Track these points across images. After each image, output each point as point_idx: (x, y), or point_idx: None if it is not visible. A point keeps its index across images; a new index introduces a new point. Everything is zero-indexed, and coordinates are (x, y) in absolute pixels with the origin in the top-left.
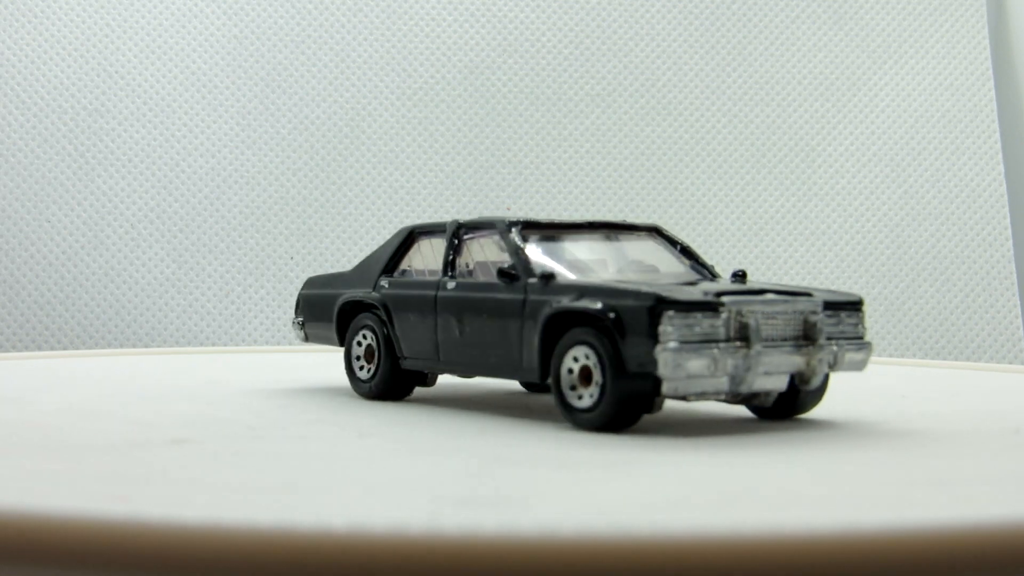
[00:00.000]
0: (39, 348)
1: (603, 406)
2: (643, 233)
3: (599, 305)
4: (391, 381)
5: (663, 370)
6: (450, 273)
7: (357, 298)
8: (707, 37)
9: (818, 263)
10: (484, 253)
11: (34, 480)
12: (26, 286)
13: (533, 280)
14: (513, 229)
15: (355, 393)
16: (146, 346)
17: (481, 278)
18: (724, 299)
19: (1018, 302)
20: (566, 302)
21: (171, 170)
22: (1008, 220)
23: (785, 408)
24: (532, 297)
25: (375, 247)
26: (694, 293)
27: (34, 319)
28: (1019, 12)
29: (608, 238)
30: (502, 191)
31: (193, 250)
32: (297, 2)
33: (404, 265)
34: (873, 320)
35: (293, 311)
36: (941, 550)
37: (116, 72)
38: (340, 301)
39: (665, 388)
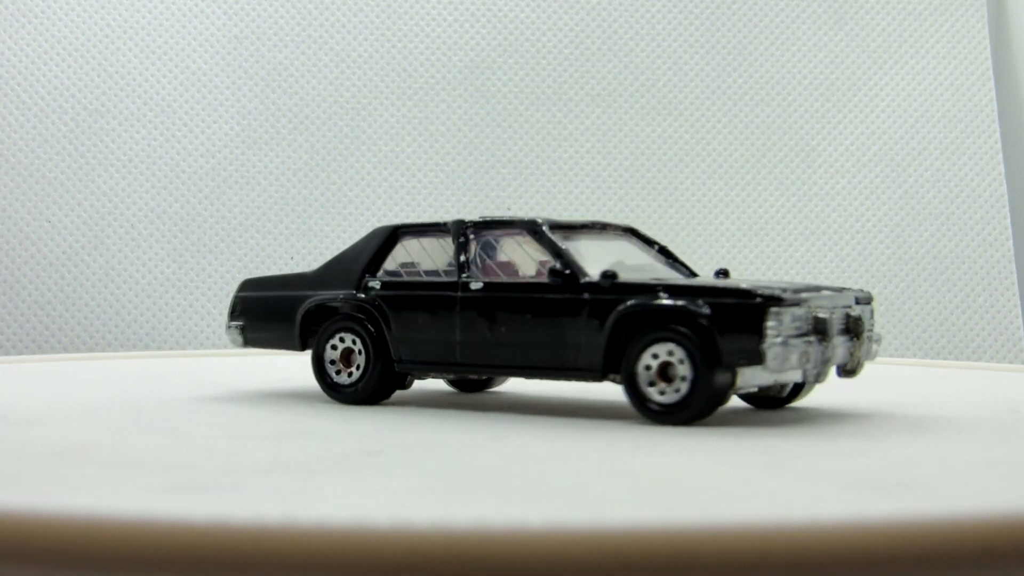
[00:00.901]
0: (39, 348)
1: (695, 400)
2: (620, 232)
3: (692, 302)
4: (380, 385)
5: (771, 363)
6: (467, 273)
7: (337, 299)
8: (707, 37)
9: (819, 263)
10: (505, 253)
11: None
12: (26, 286)
13: (589, 279)
14: (544, 229)
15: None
16: (146, 347)
17: (504, 277)
18: (803, 295)
19: (1018, 302)
20: (645, 300)
21: (171, 170)
22: (1008, 220)
23: (782, 399)
24: (595, 296)
25: None
26: (775, 290)
27: (34, 319)
28: (1019, 12)
29: (594, 237)
30: (502, 191)
31: (193, 250)
32: (297, 2)
33: (389, 265)
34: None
35: (228, 315)
36: None
37: (116, 72)
38: (309, 303)
39: (740, 380)
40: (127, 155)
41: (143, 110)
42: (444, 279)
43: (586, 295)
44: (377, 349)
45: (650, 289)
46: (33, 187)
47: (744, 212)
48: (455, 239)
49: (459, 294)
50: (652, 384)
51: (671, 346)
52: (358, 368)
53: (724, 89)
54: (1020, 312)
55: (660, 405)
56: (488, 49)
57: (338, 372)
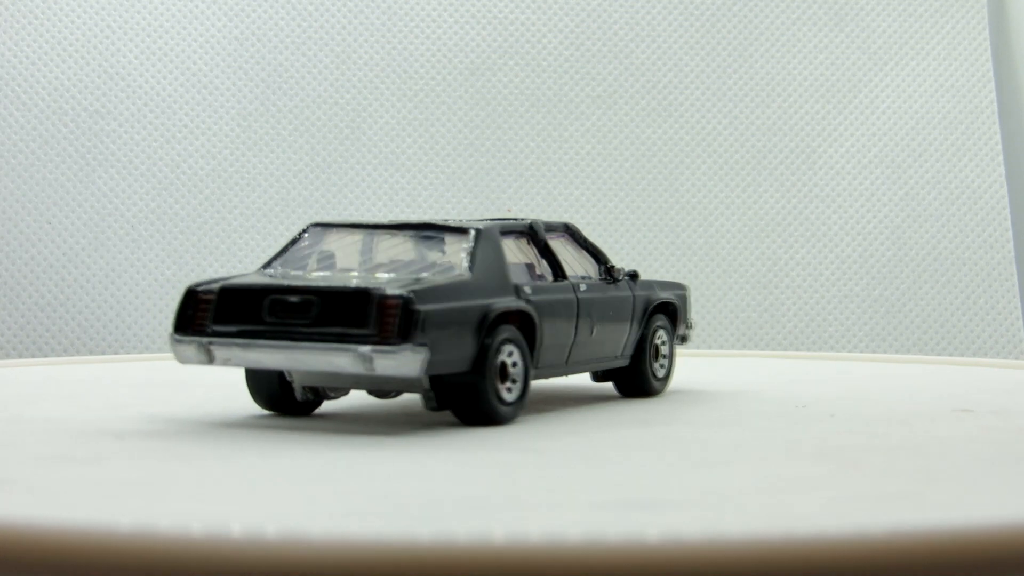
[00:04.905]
0: (39, 350)
1: (671, 373)
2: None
3: (672, 294)
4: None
5: (690, 341)
6: (561, 275)
7: (512, 309)
8: (708, 39)
9: (819, 264)
10: (558, 254)
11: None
12: (26, 288)
13: (625, 278)
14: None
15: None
16: (147, 349)
17: (594, 278)
18: None
19: (1019, 304)
20: (663, 295)
21: (172, 171)
22: (1009, 222)
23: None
24: (636, 293)
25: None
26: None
27: (35, 320)
28: (1019, 14)
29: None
30: (503, 192)
31: (194, 251)
32: (298, 3)
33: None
34: (875, 321)
35: (405, 337)
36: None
37: (117, 73)
38: (493, 314)
39: None
40: (127, 156)
41: (143, 111)
42: (561, 283)
43: (634, 292)
44: (525, 360)
45: (650, 286)
46: (33, 188)
47: (745, 214)
48: (540, 241)
49: (577, 296)
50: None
51: (661, 332)
52: (513, 381)
53: (724, 91)
54: (1021, 314)
55: (659, 379)
56: (488, 51)
57: (500, 388)
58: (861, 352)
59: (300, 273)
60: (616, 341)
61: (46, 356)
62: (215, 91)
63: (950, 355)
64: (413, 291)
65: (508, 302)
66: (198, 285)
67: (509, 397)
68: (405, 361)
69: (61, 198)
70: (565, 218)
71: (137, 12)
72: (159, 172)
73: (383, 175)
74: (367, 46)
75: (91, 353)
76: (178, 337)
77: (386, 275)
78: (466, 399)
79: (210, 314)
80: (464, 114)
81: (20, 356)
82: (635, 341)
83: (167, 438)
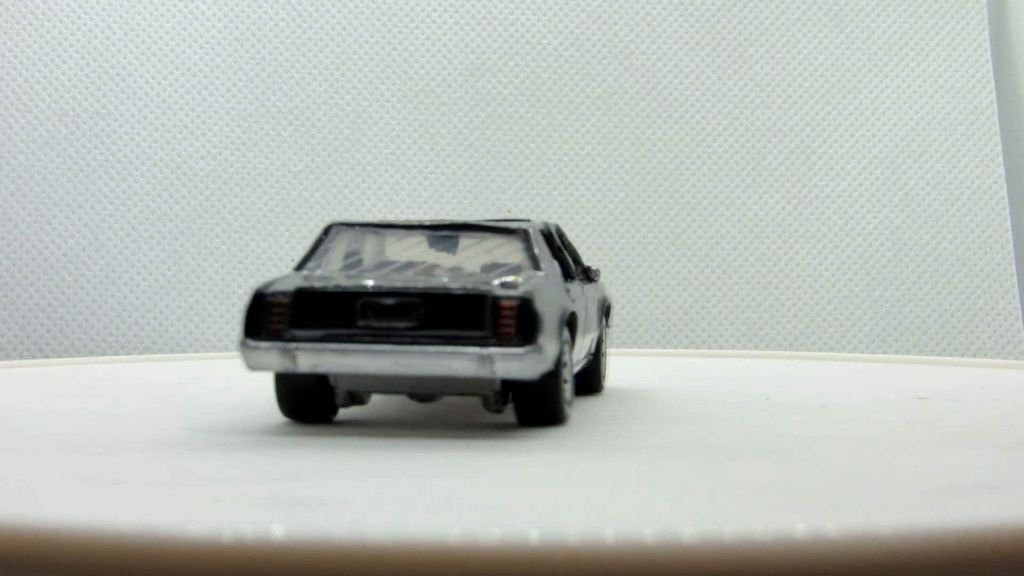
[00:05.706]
0: (40, 351)
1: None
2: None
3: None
4: None
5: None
6: (569, 276)
7: (572, 308)
8: (708, 40)
9: (819, 265)
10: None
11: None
12: (27, 288)
13: (597, 279)
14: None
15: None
16: (147, 350)
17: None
18: None
19: (1019, 304)
20: (606, 295)
21: (172, 172)
22: (1009, 223)
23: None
24: (599, 294)
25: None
26: None
27: (35, 321)
28: (1019, 15)
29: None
30: (503, 193)
31: (194, 252)
32: (298, 4)
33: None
34: (874, 322)
35: (525, 337)
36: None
37: (117, 74)
38: (567, 314)
39: None
40: (127, 157)
41: (143, 112)
42: (570, 283)
43: (597, 292)
44: (572, 359)
45: (599, 287)
46: (33, 189)
47: (745, 215)
48: (552, 243)
49: (584, 296)
50: None
51: (604, 331)
52: (565, 381)
53: (724, 92)
54: (1020, 315)
55: (603, 376)
56: (488, 52)
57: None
58: (861, 352)
59: (359, 273)
60: (591, 340)
61: (46, 357)
62: (215, 92)
63: (950, 355)
64: (529, 292)
65: (569, 303)
66: (266, 287)
67: (568, 397)
68: (530, 363)
69: (61, 199)
70: (565, 219)
71: (137, 12)
72: (159, 173)
73: (383, 176)
74: (367, 47)
75: (91, 354)
76: (253, 343)
77: (474, 274)
78: (539, 400)
79: (286, 318)
80: (464, 115)
81: (20, 357)
82: (596, 339)
83: (371, 451)
